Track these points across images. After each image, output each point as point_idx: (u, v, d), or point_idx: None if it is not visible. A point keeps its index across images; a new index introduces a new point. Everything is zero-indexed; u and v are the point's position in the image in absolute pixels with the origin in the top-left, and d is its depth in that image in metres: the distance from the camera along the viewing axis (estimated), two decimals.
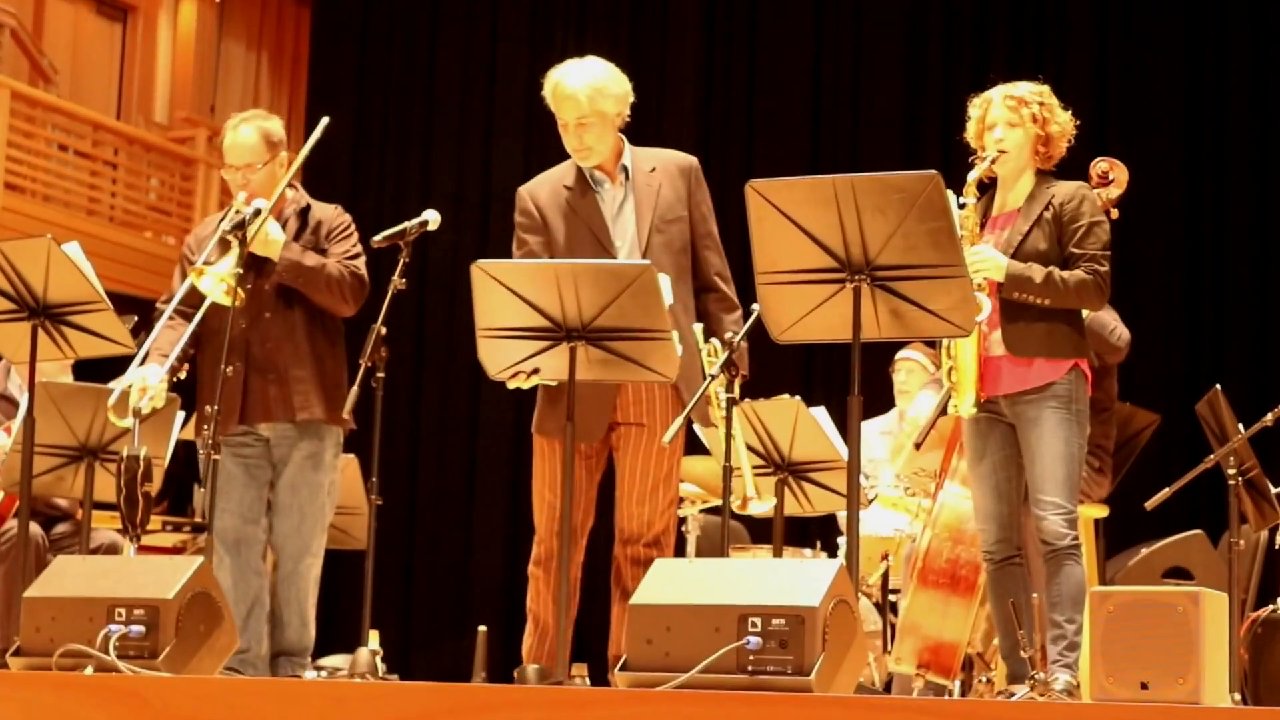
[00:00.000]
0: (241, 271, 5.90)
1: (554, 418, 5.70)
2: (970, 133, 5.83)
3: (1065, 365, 5.58)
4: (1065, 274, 5.57)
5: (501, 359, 5.35)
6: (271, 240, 6.17)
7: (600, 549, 6.02)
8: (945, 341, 5.64)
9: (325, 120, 6.14)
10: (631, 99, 5.93)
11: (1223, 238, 9.95)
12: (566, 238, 5.84)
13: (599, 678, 6.03)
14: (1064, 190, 5.69)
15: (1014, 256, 5.59)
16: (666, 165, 5.95)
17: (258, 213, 6.08)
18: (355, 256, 6.35)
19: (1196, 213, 10.02)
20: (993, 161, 5.67)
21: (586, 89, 5.80)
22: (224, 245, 6.12)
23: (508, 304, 5.23)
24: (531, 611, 5.89)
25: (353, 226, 6.41)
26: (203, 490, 6.05)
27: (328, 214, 6.42)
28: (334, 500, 6.43)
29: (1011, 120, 5.71)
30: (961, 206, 5.61)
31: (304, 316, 6.29)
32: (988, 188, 5.78)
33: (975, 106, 5.83)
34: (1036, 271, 5.55)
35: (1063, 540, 5.52)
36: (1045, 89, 5.79)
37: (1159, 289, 9.89)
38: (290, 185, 6.33)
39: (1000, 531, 5.72)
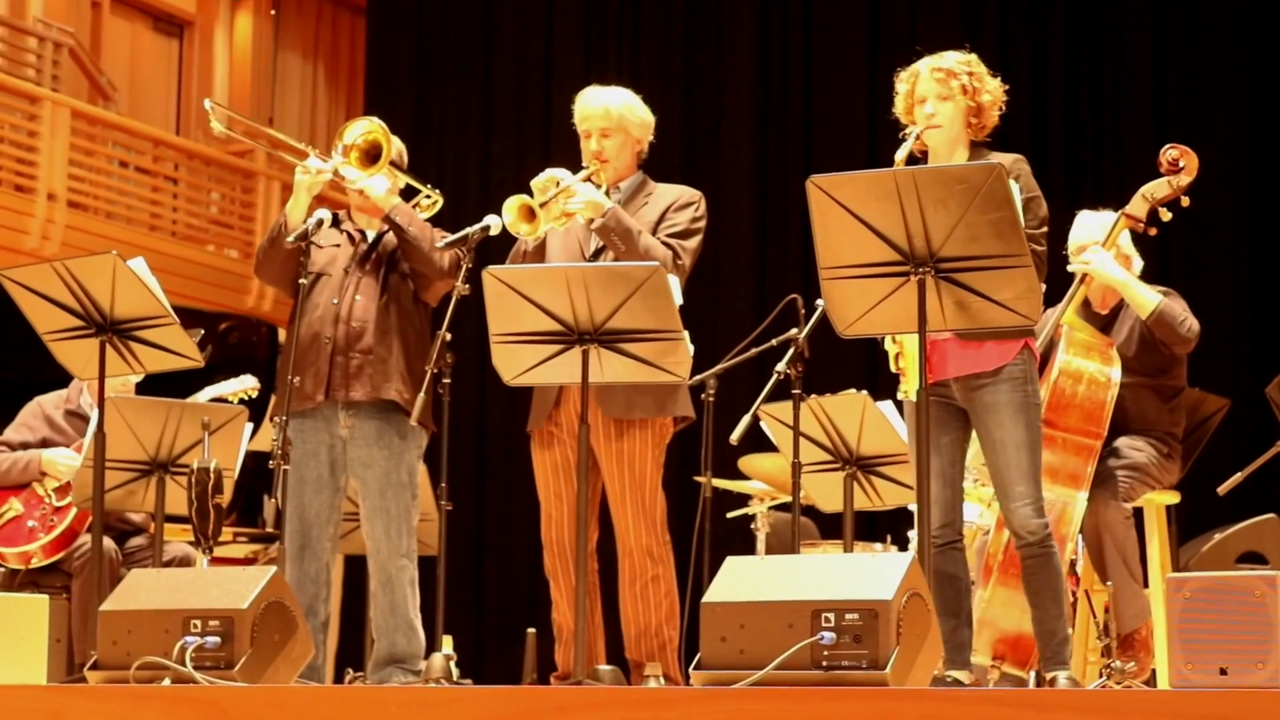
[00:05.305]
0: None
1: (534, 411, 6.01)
2: (899, 108, 5.60)
3: (1016, 346, 5.37)
4: None
5: (516, 364, 5.39)
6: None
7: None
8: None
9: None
10: (651, 135, 6.21)
11: None
12: (563, 244, 6.14)
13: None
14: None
15: None
16: (664, 193, 6.16)
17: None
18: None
19: (1261, 195, 9.94)
20: (919, 136, 5.48)
21: (617, 102, 6.16)
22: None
23: (520, 309, 5.28)
24: (555, 622, 6.04)
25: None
26: (273, 500, 6.06)
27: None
28: (419, 503, 6.44)
29: (941, 93, 5.47)
30: None
31: (396, 309, 6.35)
32: (919, 162, 5.53)
33: (902, 81, 5.59)
34: None
35: (1036, 533, 5.35)
36: (973, 58, 5.55)
37: (1226, 272, 9.82)
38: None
39: (945, 516, 5.51)
